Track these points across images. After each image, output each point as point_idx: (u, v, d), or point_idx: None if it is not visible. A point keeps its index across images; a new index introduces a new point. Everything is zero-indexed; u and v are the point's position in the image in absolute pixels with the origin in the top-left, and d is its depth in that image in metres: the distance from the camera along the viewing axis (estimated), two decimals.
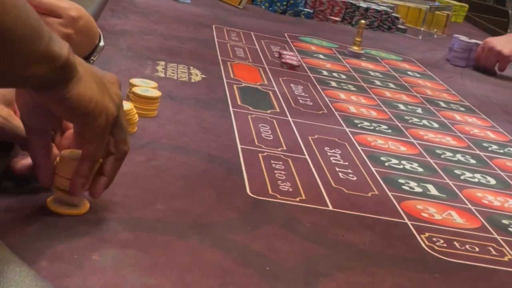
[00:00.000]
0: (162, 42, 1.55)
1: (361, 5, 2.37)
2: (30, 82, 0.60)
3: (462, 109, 1.56)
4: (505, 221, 0.97)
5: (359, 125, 1.26)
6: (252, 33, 1.87)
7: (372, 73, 1.71)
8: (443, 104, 1.56)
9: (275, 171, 0.96)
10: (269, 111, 1.23)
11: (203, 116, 1.13)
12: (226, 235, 0.76)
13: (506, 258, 0.86)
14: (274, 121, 1.18)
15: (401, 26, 2.43)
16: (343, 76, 1.61)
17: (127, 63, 1.31)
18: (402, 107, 1.46)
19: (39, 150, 0.70)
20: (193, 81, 1.31)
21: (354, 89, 1.52)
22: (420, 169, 1.10)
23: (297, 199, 0.89)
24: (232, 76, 1.40)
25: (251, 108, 1.22)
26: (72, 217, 0.71)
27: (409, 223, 0.90)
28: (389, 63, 1.88)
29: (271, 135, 1.10)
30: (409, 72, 1.83)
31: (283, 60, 1.58)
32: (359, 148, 1.14)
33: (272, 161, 1.00)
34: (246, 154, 1.00)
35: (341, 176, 1.00)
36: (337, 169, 1.02)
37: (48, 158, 0.71)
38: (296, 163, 1.01)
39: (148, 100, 1.06)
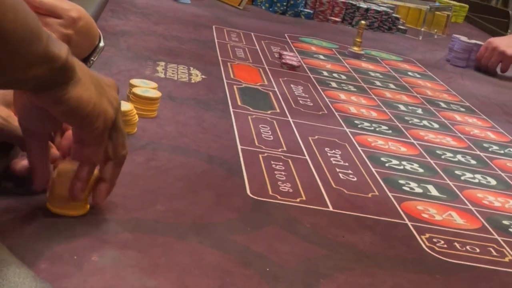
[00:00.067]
0: (162, 43, 1.55)
1: (361, 5, 2.37)
2: (28, 83, 0.60)
3: (462, 109, 1.56)
4: (505, 222, 0.97)
5: (359, 126, 1.26)
6: (252, 33, 1.87)
7: (372, 74, 1.71)
8: (443, 105, 1.56)
9: (275, 172, 0.96)
10: (269, 112, 1.23)
11: (203, 116, 1.13)
12: (226, 236, 0.76)
13: (506, 259, 0.86)
14: (274, 121, 1.18)
15: (401, 27, 2.43)
16: (343, 77, 1.61)
17: (127, 64, 1.31)
18: (402, 107, 1.46)
19: (36, 154, 0.70)
20: (193, 81, 1.31)
21: (354, 89, 1.52)
22: (421, 170, 1.10)
23: (297, 199, 0.89)
24: (232, 76, 1.40)
25: (251, 109, 1.22)
26: (71, 218, 0.71)
27: (409, 224, 0.90)
28: (389, 64, 1.88)
29: (271, 136, 1.10)
30: (409, 73, 1.83)
31: (283, 61, 1.58)
32: (359, 148, 1.14)
33: (272, 162, 1.00)
34: (246, 155, 1.00)
35: (341, 177, 1.00)
36: (337, 169, 1.02)
37: (45, 162, 0.71)
38: (296, 164, 1.01)
39: (148, 101, 1.06)
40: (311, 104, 1.33)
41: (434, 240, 0.86)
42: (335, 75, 1.61)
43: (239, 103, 1.24)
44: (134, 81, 1.11)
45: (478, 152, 1.26)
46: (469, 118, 1.49)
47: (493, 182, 1.12)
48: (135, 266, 0.65)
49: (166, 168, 0.90)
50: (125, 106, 0.98)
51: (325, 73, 1.61)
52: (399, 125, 1.32)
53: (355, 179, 1.00)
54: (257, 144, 1.06)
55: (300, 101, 1.33)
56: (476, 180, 1.11)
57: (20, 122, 0.69)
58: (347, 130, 1.22)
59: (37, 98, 0.63)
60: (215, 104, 1.20)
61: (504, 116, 1.59)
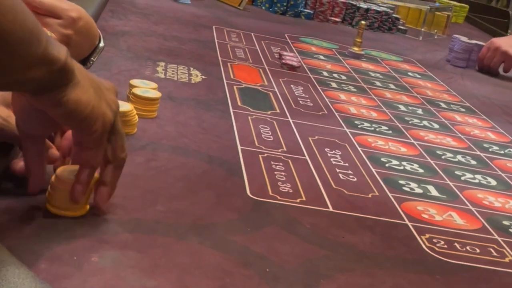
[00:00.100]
0: (162, 43, 1.55)
1: (361, 6, 2.37)
2: (27, 85, 0.60)
3: (462, 110, 1.55)
4: (505, 222, 0.97)
5: (359, 126, 1.26)
6: (252, 34, 1.87)
7: (372, 74, 1.71)
8: (443, 105, 1.56)
9: (275, 172, 0.96)
10: (269, 112, 1.22)
11: (203, 117, 1.13)
12: (226, 236, 0.75)
13: (507, 259, 0.85)
14: (274, 122, 1.18)
15: (402, 27, 2.43)
16: (344, 77, 1.61)
17: (127, 64, 1.31)
18: (402, 108, 1.46)
19: (32, 156, 0.70)
20: (193, 82, 1.31)
21: (355, 90, 1.52)
22: (421, 170, 1.10)
23: (297, 200, 0.89)
24: (232, 77, 1.40)
25: (251, 109, 1.22)
26: (71, 219, 0.71)
27: (409, 224, 0.90)
28: (390, 64, 1.88)
29: (271, 136, 1.10)
30: (409, 73, 1.82)
31: (283, 61, 1.58)
32: (359, 149, 1.14)
33: (272, 162, 0.99)
34: (246, 155, 1.00)
35: (341, 177, 1.00)
36: (338, 170, 1.02)
37: (41, 165, 0.71)
38: (296, 164, 1.01)
39: (148, 101, 1.06)
40: (311, 105, 1.33)
41: (434, 240, 0.86)
42: (335, 75, 1.61)
43: (239, 103, 1.24)
44: (134, 82, 1.11)
45: (478, 153, 1.26)
46: (469, 119, 1.49)
47: (493, 182, 1.12)
48: (135, 266, 0.65)
49: (166, 168, 0.90)
50: (125, 106, 0.98)
51: (325, 74, 1.61)
52: (399, 125, 1.32)
53: (355, 179, 1.00)
54: (257, 144, 1.05)
55: (300, 102, 1.33)
56: (476, 181, 1.11)
57: (18, 124, 0.69)
58: (347, 130, 1.22)
59: (36, 100, 0.63)
60: (215, 105, 1.20)
61: (504, 116, 1.58)
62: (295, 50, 1.78)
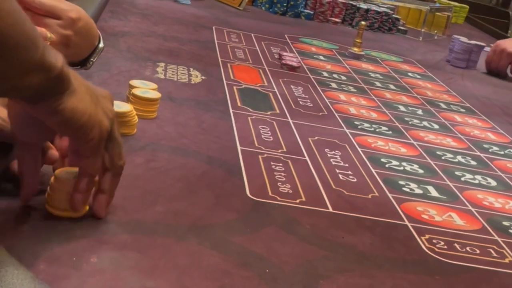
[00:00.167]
0: (162, 44, 1.55)
1: (361, 6, 2.37)
2: (24, 92, 0.60)
3: (462, 110, 1.55)
4: (505, 223, 0.97)
5: (359, 127, 1.26)
6: (252, 34, 1.87)
7: (372, 75, 1.71)
8: (443, 106, 1.56)
9: (275, 173, 0.96)
10: (269, 113, 1.22)
11: (203, 117, 1.13)
12: (226, 237, 0.75)
13: (506, 260, 0.85)
14: (274, 122, 1.18)
15: (402, 27, 2.43)
16: (343, 78, 1.61)
17: (126, 65, 1.31)
18: (402, 108, 1.46)
19: (27, 165, 0.70)
20: (193, 82, 1.31)
21: (354, 90, 1.52)
22: (421, 171, 1.10)
23: (297, 201, 0.89)
24: (232, 77, 1.40)
25: (251, 110, 1.22)
26: (70, 219, 0.71)
27: (409, 225, 0.90)
28: (390, 65, 1.88)
29: (271, 137, 1.10)
30: (409, 74, 1.82)
31: (283, 62, 1.58)
32: (359, 149, 1.14)
33: (272, 163, 0.99)
34: (246, 156, 1.00)
35: (341, 178, 1.00)
36: (337, 170, 1.02)
37: (35, 174, 0.71)
38: (296, 165, 1.01)
39: (148, 102, 1.06)
40: (311, 105, 1.33)
41: (434, 241, 0.86)
42: (335, 76, 1.61)
43: (239, 104, 1.24)
44: (133, 82, 1.11)
45: (478, 153, 1.26)
46: (469, 119, 1.49)
47: (493, 183, 1.12)
48: (134, 267, 0.65)
49: (166, 169, 0.90)
50: (125, 107, 0.98)
51: (325, 74, 1.61)
52: (399, 126, 1.32)
53: (355, 180, 1.00)
54: (256, 145, 1.05)
55: (300, 102, 1.33)
56: (476, 181, 1.11)
57: (14, 133, 0.69)
58: (347, 131, 1.22)
59: (32, 108, 0.63)
60: (215, 105, 1.20)
61: (504, 117, 1.58)
62: (295, 51, 1.78)
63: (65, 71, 0.62)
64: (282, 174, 0.96)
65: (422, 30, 2.43)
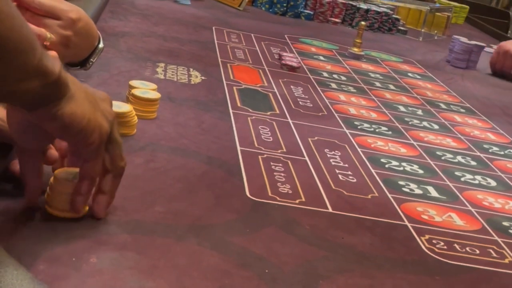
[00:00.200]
0: (162, 44, 1.55)
1: (361, 6, 2.37)
2: (22, 97, 0.60)
3: (462, 110, 1.55)
4: (505, 223, 0.97)
5: (359, 127, 1.26)
6: (252, 34, 1.87)
7: (372, 75, 1.71)
8: (443, 106, 1.56)
9: (275, 173, 0.96)
10: (269, 113, 1.22)
11: (203, 118, 1.13)
12: (225, 237, 0.75)
13: (506, 260, 0.85)
14: (274, 123, 1.18)
15: (402, 28, 2.43)
16: (343, 78, 1.61)
17: (126, 65, 1.31)
18: (402, 108, 1.46)
19: (29, 170, 0.70)
20: (192, 83, 1.31)
21: (354, 90, 1.52)
22: (420, 171, 1.10)
23: (297, 201, 0.89)
24: (232, 77, 1.40)
25: (250, 110, 1.22)
26: (70, 220, 0.71)
27: (409, 225, 0.90)
28: (389, 65, 1.88)
29: (270, 137, 1.10)
30: (409, 74, 1.82)
31: (283, 62, 1.58)
32: (359, 149, 1.13)
33: (271, 163, 0.99)
34: (246, 156, 1.00)
35: (341, 178, 1.00)
36: (337, 171, 1.02)
37: (38, 178, 0.71)
38: (296, 165, 1.01)
39: (148, 102, 1.06)
40: (311, 105, 1.33)
41: (434, 241, 0.86)
42: (335, 76, 1.61)
43: (238, 104, 1.24)
44: (133, 82, 1.11)
45: (478, 153, 1.26)
46: (469, 119, 1.49)
47: (493, 183, 1.12)
48: (133, 267, 0.65)
49: (165, 169, 0.90)
50: (125, 107, 0.98)
51: (325, 74, 1.61)
52: (399, 126, 1.32)
53: (354, 180, 1.00)
54: (256, 145, 1.05)
55: (300, 102, 1.33)
56: (476, 181, 1.11)
57: (14, 139, 0.69)
58: (347, 131, 1.22)
59: (31, 114, 0.63)
60: (215, 105, 1.20)
61: (504, 117, 1.58)
62: (295, 51, 1.78)
63: (63, 77, 0.62)
64: (282, 174, 0.96)
65: (422, 30, 2.43)
